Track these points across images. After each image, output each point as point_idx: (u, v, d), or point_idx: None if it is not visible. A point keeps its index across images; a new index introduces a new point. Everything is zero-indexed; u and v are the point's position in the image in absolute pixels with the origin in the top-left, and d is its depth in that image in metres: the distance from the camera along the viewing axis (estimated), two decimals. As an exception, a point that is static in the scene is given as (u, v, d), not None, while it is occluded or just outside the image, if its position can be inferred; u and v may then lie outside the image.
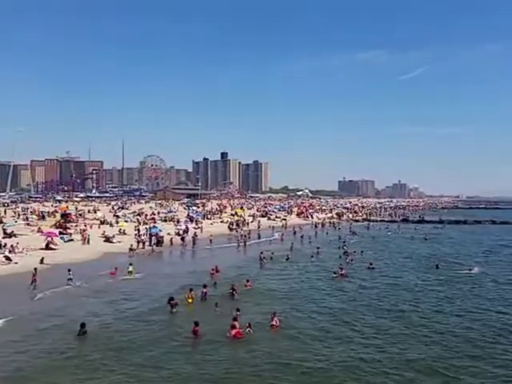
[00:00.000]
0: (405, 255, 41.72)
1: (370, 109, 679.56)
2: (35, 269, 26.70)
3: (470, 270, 32.78)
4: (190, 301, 22.53)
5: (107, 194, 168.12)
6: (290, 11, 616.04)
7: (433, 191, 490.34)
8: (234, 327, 17.29)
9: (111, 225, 55.40)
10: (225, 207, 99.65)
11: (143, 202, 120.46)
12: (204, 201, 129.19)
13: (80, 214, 64.86)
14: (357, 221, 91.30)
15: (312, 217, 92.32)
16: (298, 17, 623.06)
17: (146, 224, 56.88)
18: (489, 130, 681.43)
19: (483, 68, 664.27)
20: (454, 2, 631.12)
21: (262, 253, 37.11)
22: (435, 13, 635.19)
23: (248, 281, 26.01)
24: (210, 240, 47.45)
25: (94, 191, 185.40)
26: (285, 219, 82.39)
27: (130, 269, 29.89)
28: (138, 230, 48.44)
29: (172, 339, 17.21)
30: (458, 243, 52.95)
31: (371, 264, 33.95)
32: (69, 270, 26.83)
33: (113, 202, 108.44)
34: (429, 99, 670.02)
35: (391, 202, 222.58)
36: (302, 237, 53.98)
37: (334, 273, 30.30)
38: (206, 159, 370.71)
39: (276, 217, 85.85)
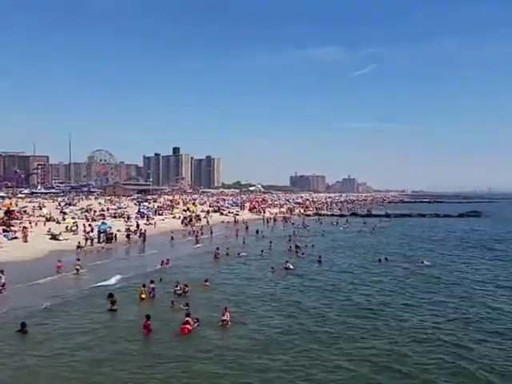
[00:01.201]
0: (352, 248, 42.97)
1: (321, 104, 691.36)
2: (2, 271, 25.30)
3: (421, 262, 34.16)
4: (143, 296, 22.47)
5: (53, 190, 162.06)
6: (244, 6, 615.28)
7: (380, 186, 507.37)
8: (187, 323, 17.32)
9: (58, 222, 53.63)
10: (177, 203, 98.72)
11: (92, 198, 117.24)
12: (155, 196, 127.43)
13: (24, 211, 62.52)
14: (308, 215, 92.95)
15: (264, 212, 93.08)
16: (251, 12, 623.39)
17: (95, 221, 55.52)
18: (433, 128, 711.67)
19: (431, 66, 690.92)
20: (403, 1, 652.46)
21: (217, 248, 37.18)
22: (384, 11, 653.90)
23: (207, 280, 25.80)
24: (172, 237, 46.77)
25: (39, 187, 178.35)
26: (237, 214, 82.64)
27: (77, 266, 29.16)
28: (84, 226, 47.74)
29: (116, 336, 17.05)
30: (403, 236, 55.12)
31: (320, 257, 34.88)
32: None
33: (59, 199, 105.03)
34: (377, 96, 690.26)
35: (341, 196, 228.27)
36: (257, 232, 54.37)
37: (272, 268, 30.94)
38: (157, 154, 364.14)
39: (229, 212, 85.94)
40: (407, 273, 30.41)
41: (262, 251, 38.68)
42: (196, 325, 17.71)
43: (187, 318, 17.57)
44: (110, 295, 21.27)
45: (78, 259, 30.41)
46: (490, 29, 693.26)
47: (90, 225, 48.93)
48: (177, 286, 23.51)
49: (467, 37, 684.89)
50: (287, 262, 32.04)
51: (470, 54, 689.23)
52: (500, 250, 42.73)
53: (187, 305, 19.75)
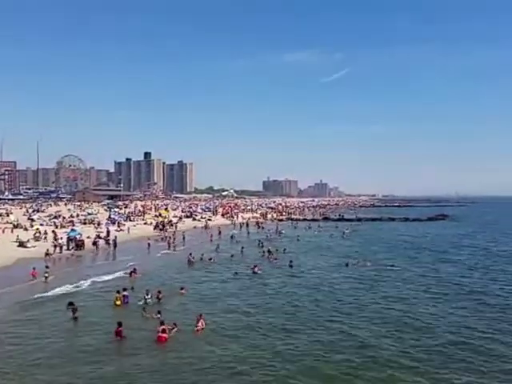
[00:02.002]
0: (323, 253, 43.47)
1: (294, 109, 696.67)
2: None
3: (391, 265, 35.14)
4: (118, 303, 22.40)
5: (21, 197, 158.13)
6: (218, 9, 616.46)
7: (352, 190, 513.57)
8: (163, 331, 17.20)
9: (25, 229, 52.38)
10: (149, 208, 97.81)
11: (61, 204, 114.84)
12: (127, 202, 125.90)
13: (-10, 218, 60.95)
14: (281, 220, 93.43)
15: (237, 217, 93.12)
16: (226, 16, 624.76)
17: (64, 227, 54.54)
18: (404, 133, 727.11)
19: (399, 70, 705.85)
20: (372, 5, 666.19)
21: (191, 254, 37.16)
22: (355, 15, 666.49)
23: (182, 288, 25.63)
24: (149, 244, 45.66)
25: (6, 193, 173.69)
26: (210, 219, 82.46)
27: (46, 274, 28.63)
28: (46, 233, 47.07)
29: (90, 344, 16.86)
30: (373, 240, 55.94)
31: (291, 262, 35.40)
32: None
33: (27, 205, 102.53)
34: (350, 100, 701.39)
35: (313, 201, 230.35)
36: (231, 237, 54.32)
37: (235, 273, 31.40)
38: (128, 159, 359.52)
39: (201, 217, 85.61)
40: (372, 277, 30.87)
41: (232, 256, 38.80)
42: (174, 330, 17.75)
43: (163, 327, 17.41)
44: (70, 303, 20.97)
45: (47, 266, 30.01)
46: (459, 38, 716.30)
47: (53, 231, 48.03)
48: (147, 294, 22.92)
49: (438, 44, 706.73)
50: (255, 266, 32.40)
51: (441, 61, 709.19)
52: (460, 254, 43.78)
53: (159, 312, 19.69)
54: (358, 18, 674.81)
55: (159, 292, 23.51)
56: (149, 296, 22.85)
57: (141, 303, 22.25)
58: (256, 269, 31.89)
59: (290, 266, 34.54)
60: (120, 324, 17.53)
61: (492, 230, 70.50)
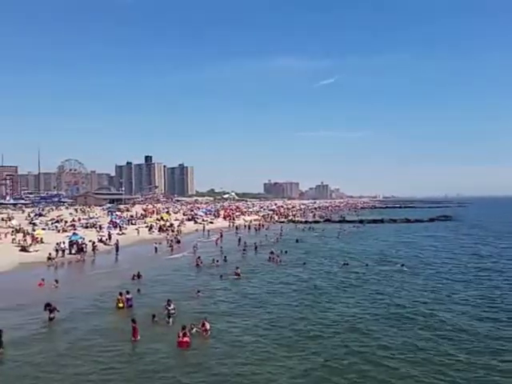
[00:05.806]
0: (325, 253, 43.94)
1: (295, 113, 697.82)
2: None
3: (401, 265, 35.19)
4: (120, 305, 22.29)
5: (22, 201, 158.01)
6: (205, 18, 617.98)
7: (353, 192, 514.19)
8: (184, 335, 17.02)
9: (27, 233, 52.24)
10: (152, 212, 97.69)
11: (62, 208, 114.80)
12: (128, 206, 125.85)
13: (-8, 223, 60.86)
14: (282, 222, 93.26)
15: (237, 219, 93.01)
16: (211, 23, 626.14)
17: (66, 231, 54.45)
18: (404, 135, 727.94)
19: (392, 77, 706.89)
20: (349, 18, 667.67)
21: (199, 257, 37.43)
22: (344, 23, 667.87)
23: (199, 291, 25.50)
24: (156, 248, 44.80)
25: (7, 198, 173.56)
26: (212, 222, 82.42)
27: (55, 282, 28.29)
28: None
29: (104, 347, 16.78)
30: (378, 241, 55.87)
31: (304, 263, 36.74)
32: None
33: (29, 209, 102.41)
34: (345, 105, 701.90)
35: (315, 203, 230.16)
36: (239, 240, 53.69)
37: (221, 276, 31.44)
38: (129, 163, 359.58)
39: (203, 220, 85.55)
40: (370, 276, 31.38)
41: (224, 260, 37.97)
42: (194, 330, 17.89)
43: (184, 331, 17.13)
44: (48, 305, 20.58)
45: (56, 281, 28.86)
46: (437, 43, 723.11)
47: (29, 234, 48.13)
48: (169, 305, 20.75)
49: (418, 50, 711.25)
50: (237, 268, 32.50)
51: (423, 66, 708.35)
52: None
53: (169, 317, 19.75)
54: (345, 26, 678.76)
55: (169, 300, 21.76)
56: (171, 307, 20.76)
57: (165, 313, 20.43)
58: (238, 270, 32.04)
59: (304, 263, 36.40)
60: (134, 321, 17.75)
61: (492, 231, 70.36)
